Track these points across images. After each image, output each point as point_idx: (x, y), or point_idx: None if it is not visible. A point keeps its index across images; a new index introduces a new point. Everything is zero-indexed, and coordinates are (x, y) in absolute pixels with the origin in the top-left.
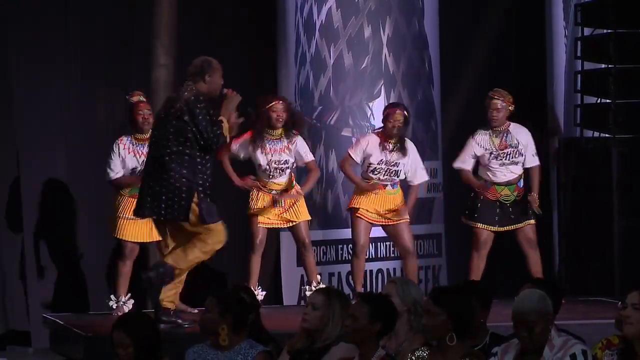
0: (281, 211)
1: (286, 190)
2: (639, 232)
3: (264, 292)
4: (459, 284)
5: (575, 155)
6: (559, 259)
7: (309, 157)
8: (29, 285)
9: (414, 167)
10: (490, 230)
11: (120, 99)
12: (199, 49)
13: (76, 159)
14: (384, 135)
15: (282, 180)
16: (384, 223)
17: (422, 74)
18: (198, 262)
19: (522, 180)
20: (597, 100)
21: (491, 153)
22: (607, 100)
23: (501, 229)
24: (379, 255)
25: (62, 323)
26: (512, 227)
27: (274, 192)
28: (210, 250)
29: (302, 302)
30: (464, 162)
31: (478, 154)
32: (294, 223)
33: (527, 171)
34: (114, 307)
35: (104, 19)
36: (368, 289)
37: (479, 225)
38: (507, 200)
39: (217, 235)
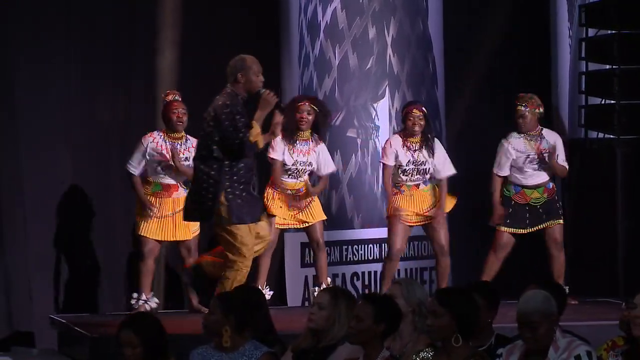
0: (296, 212)
1: (300, 191)
2: None
3: (271, 292)
4: (468, 284)
5: (579, 156)
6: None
7: (328, 169)
8: (33, 286)
9: (441, 162)
10: (519, 233)
11: (124, 99)
12: (201, 49)
13: (80, 159)
14: (406, 135)
15: (301, 180)
16: (423, 223)
17: (426, 74)
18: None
19: (550, 182)
20: (601, 101)
21: (528, 156)
22: (612, 101)
23: (531, 229)
24: (383, 257)
25: (68, 324)
26: (543, 225)
27: (289, 191)
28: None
29: (307, 303)
30: (501, 169)
31: (514, 157)
32: (309, 224)
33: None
34: (136, 306)
35: (105, 18)
36: (372, 290)
37: (508, 229)
38: (537, 203)
39: (241, 240)
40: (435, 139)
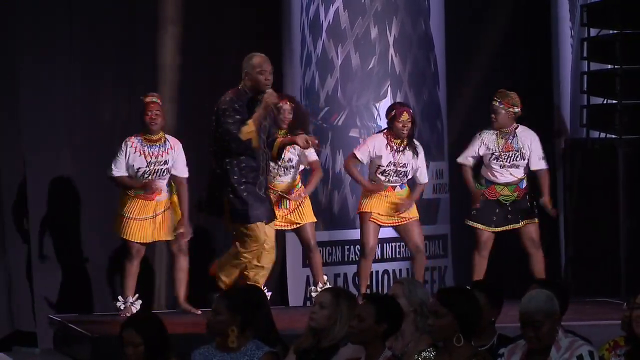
0: (286, 212)
1: (290, 191)
2: None
3: (269, 293)
4: (472, 285)
5: (581, 156)
6: (565, 259)
7: (312, 156)
8: (35, 285)
9: (422, 168)
10: (489, 231)
11: (126, 99)
12: (203, 49)
13: (82, 159)
14: (392, 136)
15: (286, 179)
16: (395, 224)
17: (427, 74)
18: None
19: (523, 181)
20: (603, 101)
21: (493, 153)
22: (614, 101)
23: (498, 229)
24: (385, 257)
25: (68, 324)
26: (509, 227)
27: (278, 192)
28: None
29: (308, 303)
30: (466, 159)
31: (481, 153)
32: (299, 225)
33: (534, 175)
34: (122, 307)
35: (108, 18)
36: (374, 290)
37: (478, 225)
38: (506, 200)
39: (252, 240)
40: (418, 143)
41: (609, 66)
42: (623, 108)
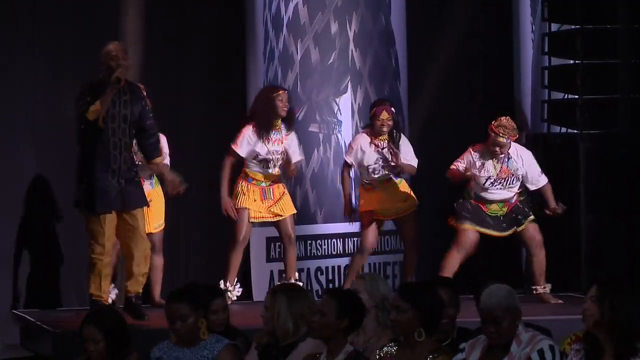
0: (270, 204)
1: (274, 183)
2: (606, 227)
3: (241, 289)
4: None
5: (542, 151)
6: (525, 254)
7: (297, 156)
8: None
9: (409, 157)
10: (480, 232)
11: None
12: (166, 45)
13: (43, 149)
14: (374, 133)
15: (274, 172)
16: (399, 216)
17: (388, 69)
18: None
19: (514, 197)
20: (564, 96)
21: (489, 178)
22: (574, 96)
23: (496, 233)
24: (347, 251)
25: (30, 319)
26: (507, 233)
27: (262, 184)
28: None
29: None
30: (457, 166)
31: (475, 172)
32: (282, 217)
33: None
34: None
35: (70, 17)
36: (337, 285)
37: (468, 225)
38: (495, 214)
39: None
40: (401, 135)
41: (570, 61)
42: (584, 103)
